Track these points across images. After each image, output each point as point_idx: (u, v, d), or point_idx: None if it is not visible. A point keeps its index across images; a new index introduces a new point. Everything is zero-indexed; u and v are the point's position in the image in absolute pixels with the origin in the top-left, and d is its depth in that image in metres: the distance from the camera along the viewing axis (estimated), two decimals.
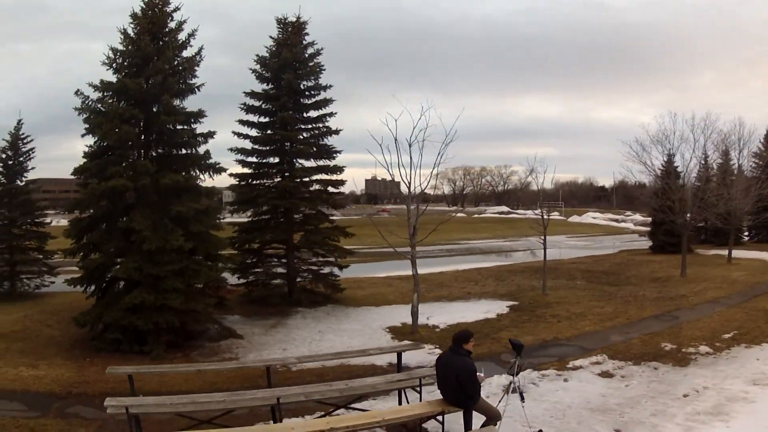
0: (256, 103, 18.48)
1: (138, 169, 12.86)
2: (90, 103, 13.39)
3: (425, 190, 17.19)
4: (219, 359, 12.43)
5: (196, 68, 14.29)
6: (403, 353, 10.66)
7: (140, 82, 13.26)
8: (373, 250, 33.44)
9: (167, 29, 13.98)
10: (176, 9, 14.13)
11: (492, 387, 9.41)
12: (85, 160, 13.74)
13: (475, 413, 7.02)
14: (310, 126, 18.79)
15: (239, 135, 18.38)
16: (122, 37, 13.63)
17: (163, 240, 12.46)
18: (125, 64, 13.60)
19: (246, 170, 18.72)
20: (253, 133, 18.48)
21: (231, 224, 18.00)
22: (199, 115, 14.10)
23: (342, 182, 18.71)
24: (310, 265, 18.80)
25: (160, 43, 13.82)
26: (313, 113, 18.71)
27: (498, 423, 6.71)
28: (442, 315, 15.81)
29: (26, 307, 17.70)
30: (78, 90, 13.22)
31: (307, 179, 18.68)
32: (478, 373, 6.96)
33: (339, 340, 13.80)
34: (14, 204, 21.05)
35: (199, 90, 14.51)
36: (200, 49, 14.23)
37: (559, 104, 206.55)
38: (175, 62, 13.89)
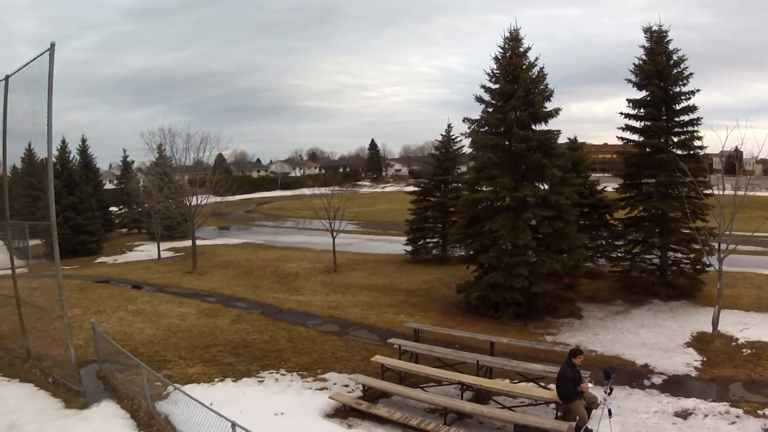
0: (632, 111, 19.66)
1: (499, 185, 17.22)
2: (473, 129, 18.35)
3: None
4: (541, 333, 15.89)
5: (549, 99, 17.45)
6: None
7: (500, 117, 17.31)
8: None
9: (523, 66, 17.48)
10: (528, 49, 17.59)
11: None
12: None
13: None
14: (681, 130, 19.05)
15: (623, 140, 20.07)
16: (488, 76, 18.03)
17: (514, 238, 16.62)
18: (492, 101, 17.99)
19: (627, 170, 20.31)
20: (635, 137, 19.80)
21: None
22: (550, 138, 17.38)
23: (707, 188, 18.12)
24: (681, 258, 19.30)
25: (518, 79, 17.34)
26: (685, 117, 18.82)
27: (585, 424, 8.22)
28: (760, 329, 14.59)
29: (444, 271, 24.46)
30: (464, 117, 18.23)
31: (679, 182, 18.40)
32: (586, 382, 8.78)
33: (644, 336, 15.00)
34: (447, 191, 29.10)
35: (557, 113, 17.52)
36: (546, 85, 17.44)
37: None
38: (530, 96, 17.29)
